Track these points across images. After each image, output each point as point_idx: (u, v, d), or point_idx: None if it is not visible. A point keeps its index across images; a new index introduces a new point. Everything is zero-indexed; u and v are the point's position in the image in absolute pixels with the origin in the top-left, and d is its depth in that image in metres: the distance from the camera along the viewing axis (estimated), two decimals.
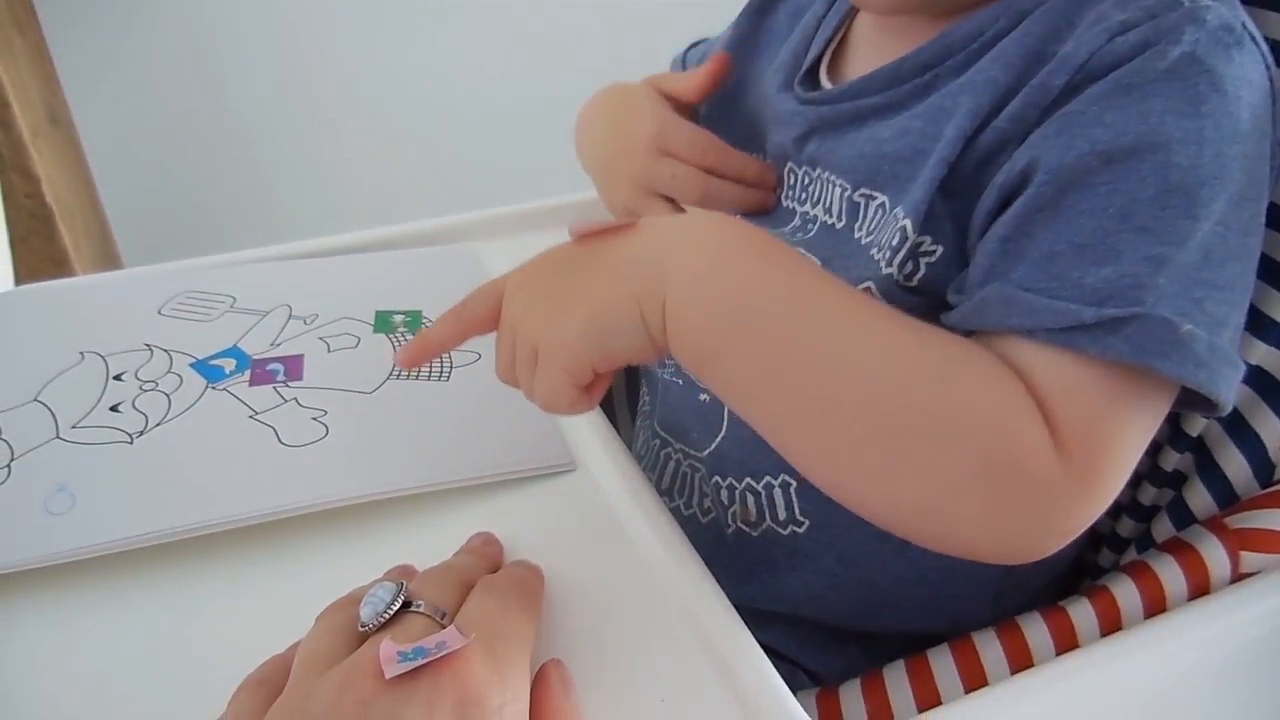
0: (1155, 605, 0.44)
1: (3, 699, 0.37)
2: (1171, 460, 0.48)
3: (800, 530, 0.49)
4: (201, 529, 0.42)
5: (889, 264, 0.43)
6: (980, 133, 0.41)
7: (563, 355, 0.39)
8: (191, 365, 0.53)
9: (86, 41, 1.37)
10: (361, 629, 0.34)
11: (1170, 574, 0.44)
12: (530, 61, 1.54)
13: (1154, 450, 0.49)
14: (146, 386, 0.51)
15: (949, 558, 0.45)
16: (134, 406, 0.49)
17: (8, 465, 0.46)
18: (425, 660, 0.31)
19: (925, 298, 0.43)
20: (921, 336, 0.37)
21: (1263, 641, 0.41)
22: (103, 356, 0.53)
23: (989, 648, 0.46)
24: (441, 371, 0.53)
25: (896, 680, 0.46)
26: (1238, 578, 0.43)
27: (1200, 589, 0.43)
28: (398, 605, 0.34)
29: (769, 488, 0.49)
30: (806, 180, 0.50)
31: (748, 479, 0.50)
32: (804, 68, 0.52)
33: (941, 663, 0.46)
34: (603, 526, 0.44)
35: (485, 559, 0.41)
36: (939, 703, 0.45)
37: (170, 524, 0.42)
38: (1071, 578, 0.54)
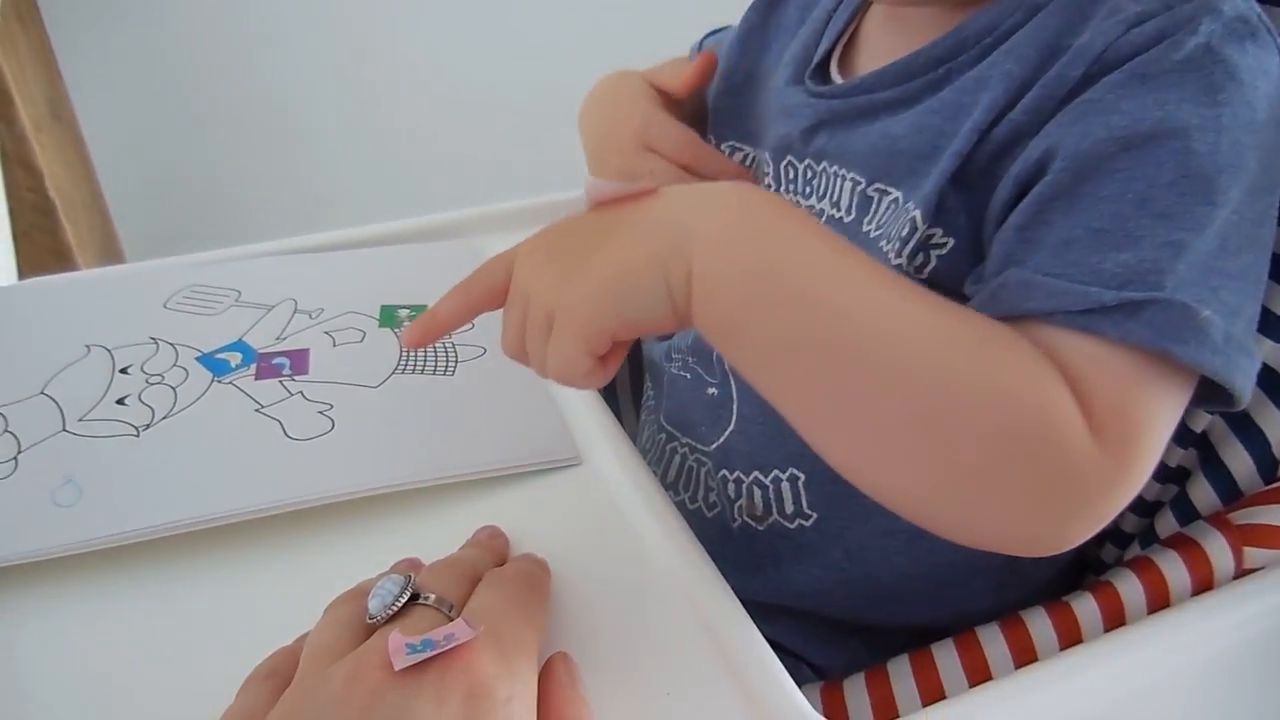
0: (1159, 600, 0.44)
1: (12, 691, 0.37)
2: (1175, 456, 0.49)
3: (807, 524, 0.49)
4: (208, 522, 0.42)
5: (898, 255, 0.43)
6: (995, 126, 0.41)
7: (580, 320, 0.37)
8: (197, 359, 0.53)
9: (89, 36, 1.37)
10: (370, 621, 0.34)
11: (1174, 569, 0.44)
12: (533, 57, 1.54)
13: None
14: (153, 380, 0.51)
15: (954, 552, 0.45)
16: (140, 400, 0.50)
17: (15, 458, 0.46)
18: (434, 652, 0.31)
19: (936, 290, 0.43)
20: (953, 309, 0.36)
21: (1266, 637, 0.41)
22: (109, 350, 0.53)
23: (993, 642, 0.46)
24: (447, 366, 0.53)
25: (900, 674, 0.47)
26: (1241, 573, 0.43)
27: (1204, 584, 0.43)
28: (406, 597, 0.34)
29: (777, 481, 0.49)
30: (809, 174, 0.50)
31: (755, 473, 0.50)
32: (814, 62, 0.52)
33: (945, 657, 0.46)
34: (608, 520, 0.44)
35: (492, 552, 0.41)
36: (943, 696, 0.45)
37: (177, 517, 0.42)
38: (1074, 573, 0.54)
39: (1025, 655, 0.45)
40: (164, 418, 0.49)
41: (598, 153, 0.59)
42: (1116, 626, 0.44)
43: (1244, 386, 0.35)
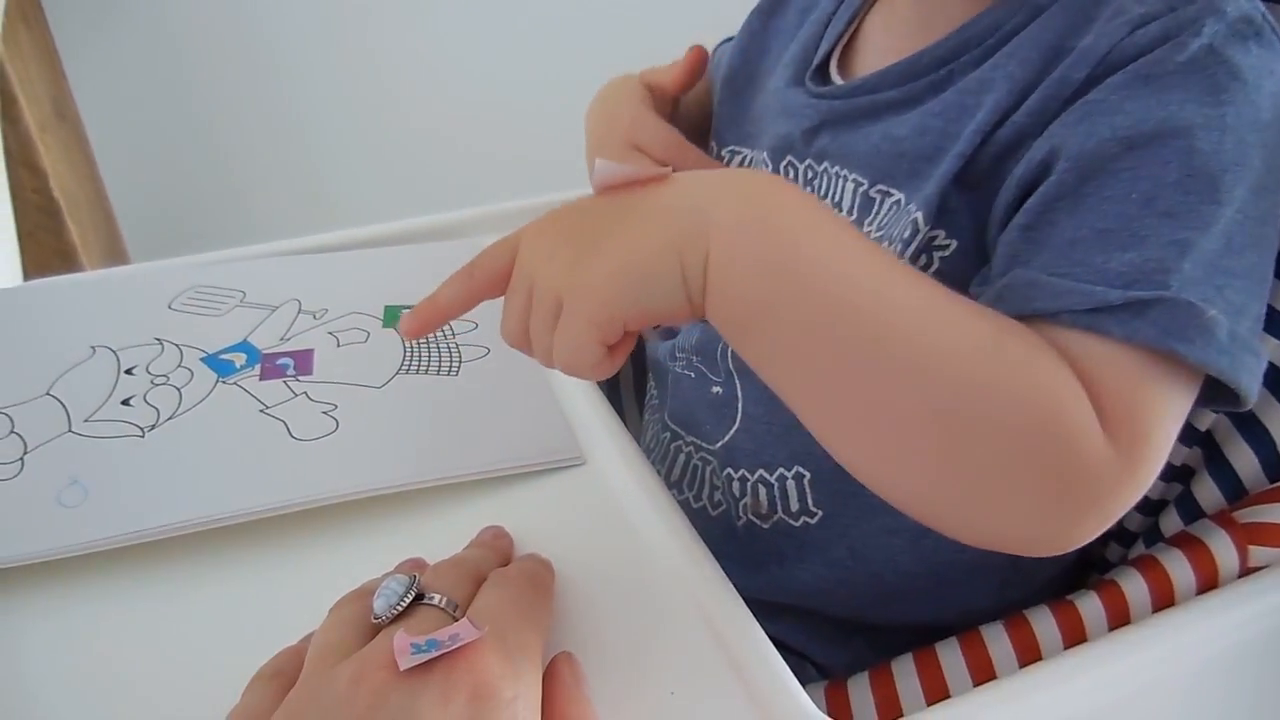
0: (1163, 599, 0.44)
1: (17, 691, 0.38)
2: (1180, 454, 0.49)
3: (813, 522, 0.49)
4: (213, 522, 0.43)
5: (900, 256, 0.43)
6: (998, 127, 0.41)
7: (591, 306, 0.35)
8: (202, 359, 0.53)
9: (93, 36, 1.37)
10: (375, 621, 0.34)
11: (1178, 568, 0.44)
12: (537, 57, 1.54)
13: None
14: (158, 381, 0.51)
15: (957, 550, 0.45)
16: (145, 400, 0.50)
17: (21, 459, 0.46)
18: (439, 652, 0.31)
19: None
20: (971, 306, 0.36)
21: (1271, 636, 0.41)
22: (114, 351, 0.53)
23: (997, 641, 0.46)
24: (451, 366, 0.53)
25: (905, 673, 0.47)
26: (1246, 572, 0.43)
27: (1208, 583, 0.43)
28: (411, 597, 0.34)
29: (782, 479, 0.49)
30: (810, 174, 0.50)
31: (761, 471, 0.50)
32: (815, 64, 0.52)
33: (949, 656, 0.46)
34: (612, 520, 0.45)
35: (496, 552, 0.41)
36: (947, 695, 0.45)
37: (182, 517, 0.43)
38: (1078, 572, 0.54)
39: (1029, 654, 0.45)
40: (169, 418, 0.49)
41: (594, 153, 0.60)
42: (1121, 625, 0.44)
43: (1250, 385, 0.35)
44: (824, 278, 0.34)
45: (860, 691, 0.47)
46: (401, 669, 0.30)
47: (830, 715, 0.35)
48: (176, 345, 0.54)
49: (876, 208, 0.46)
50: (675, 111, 0.61)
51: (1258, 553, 0.43)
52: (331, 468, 0.46)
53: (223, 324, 0.56)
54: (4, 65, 1.11)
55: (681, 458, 0.55)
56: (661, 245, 0.35)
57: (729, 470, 0.52)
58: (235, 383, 0.51)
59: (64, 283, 0.63)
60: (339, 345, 0.54)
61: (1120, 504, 0.35)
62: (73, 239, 1.22)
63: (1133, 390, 0.34)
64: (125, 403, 0.50)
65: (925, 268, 0.43)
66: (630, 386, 0.74)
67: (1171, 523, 0.49)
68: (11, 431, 0.48)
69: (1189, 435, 0.48)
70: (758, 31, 0.59)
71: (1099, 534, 0.35)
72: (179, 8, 1.41)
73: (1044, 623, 0.46)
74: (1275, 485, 0.45)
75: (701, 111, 0.62)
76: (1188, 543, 0.45)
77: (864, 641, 0.52)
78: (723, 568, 0.41)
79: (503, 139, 1.54)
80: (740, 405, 0.51)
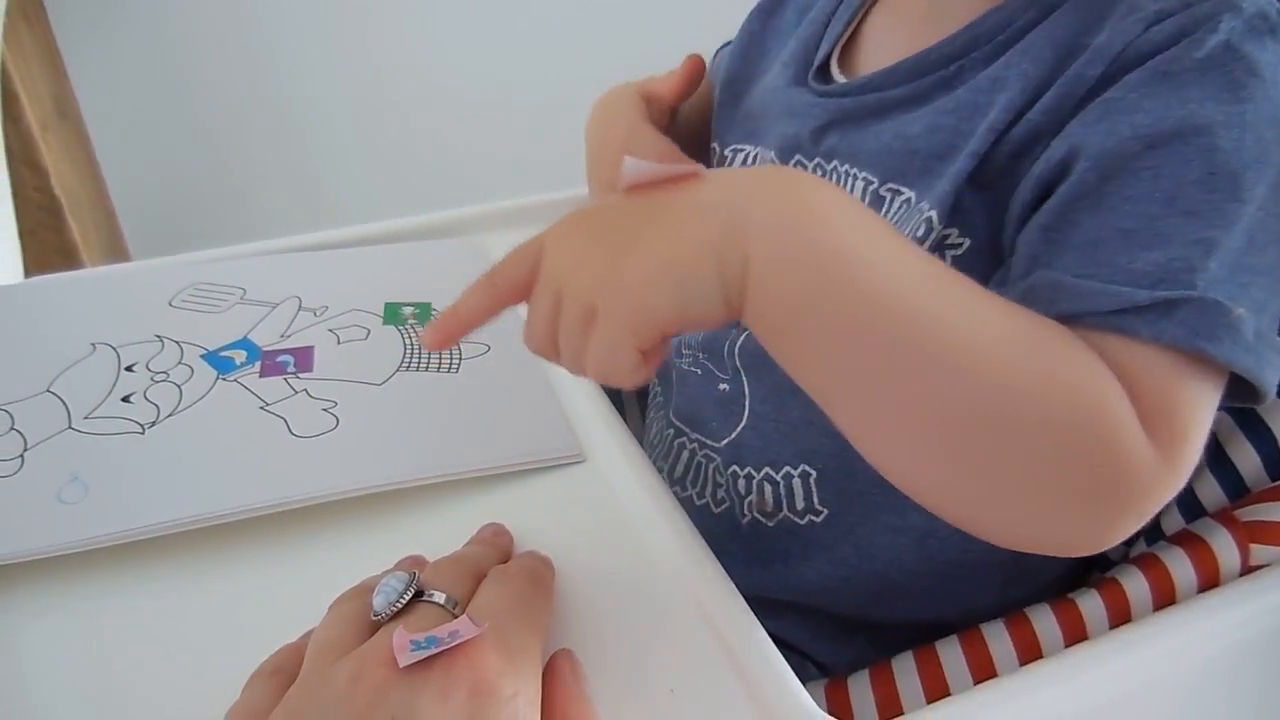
0: (1164, 598, 0.44)
1: (18, 689, 0.38)
2: None
3: (818, 520, 0.49)
4: (213, 519, 0.43)
5: None
6: (1013, 126, 0.41)
7: (629, 313, 0.34)
8: (202, 356, 0.53)
9: (94, 34, 1.37)
10: (374, 618, 0.34)
11: (1180, 566, 0.44)
12: (536, 54, 1.54)
13: None
14: (158, 378, 0.51)
15: (961, 549, 0.45)
16: (145, 397, 0.50)
17: (21, 455, 0.46)
18: (438, 649, 0.31)
19: None
20: (1009, 306, 0.35)
21: (1272, 634, 0.41)
22: (114, 348, 0.53)
23: (997, 639, 0.46)
24: (451, 363, 0.53)
25: (905, 671, 0.47)
26: (1247, 570, 0.43)
27: (1210, 581, 0.43)
28: (410, 594, 0.34)
29: (788, 477, 0.49)
30: (819, 174, 0.50)
31: (767, 468, 0.50)
32: (816, 63, 0.52)
33: (950, 654, 0.46)
34: (612, 518, 0.44)
35: (496, 549, 0.41)
36: (947, 694, 0.45)
37: (182, 514, 0.43)
38: (1079, 570, 0.54)
39: (1030, 652, 0.45)
40: (169, 415, 0.49)
41: (593, 165, 0.60)
42: (1122, 623, 0.44)
43: (1272, 382, 0.35)
44: (867, 277, 0.33)
45: (861, 690, 0.47)
46: (401, 666, 0.30)
47: (831, 713, 0.35)
48: (177, 342, 0.54)
49: (886, 206, 0.46)
50: (674, 121, 0.61)
51: (1259, 551, 0.43)
52: (331, 465, 0.46)
53: (223, 321, 0.56)
54: (6, 64, 1.11)
55: (685, 455, 0.55)
56: (700, 246, 0.34)
57: (734, 468, 0.51)
58: (235, 380, 0.51)
59: (64, 280, 0.63)
60: (339, 342, 0.54)
61: (1157, 503, 0.34)
62: (74, 237, 1.22)
63: (1169, 389, 0.34)
64: (125, 400, 0.50)
65: None
66: None
67: (1173, 521, 0.49)
68: (12, 428, 0.48)
69: None
70: (757, 32, 0.59)
71: (1131, 534, 0.35)
72: (180, 7, 1.41)
73: (1045, 621, 0.45)
74: (1277, 484, 0.45)
75: (701, 119, 0.61)
76: (1189, 541, 0.45)
77: (866, 639, 0.52)
78: (726, 565, 0.41)
79: (502, 137, 1.54)
80: (747, 402, 0.51)
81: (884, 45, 0.50)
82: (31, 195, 1.18)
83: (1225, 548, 0.43)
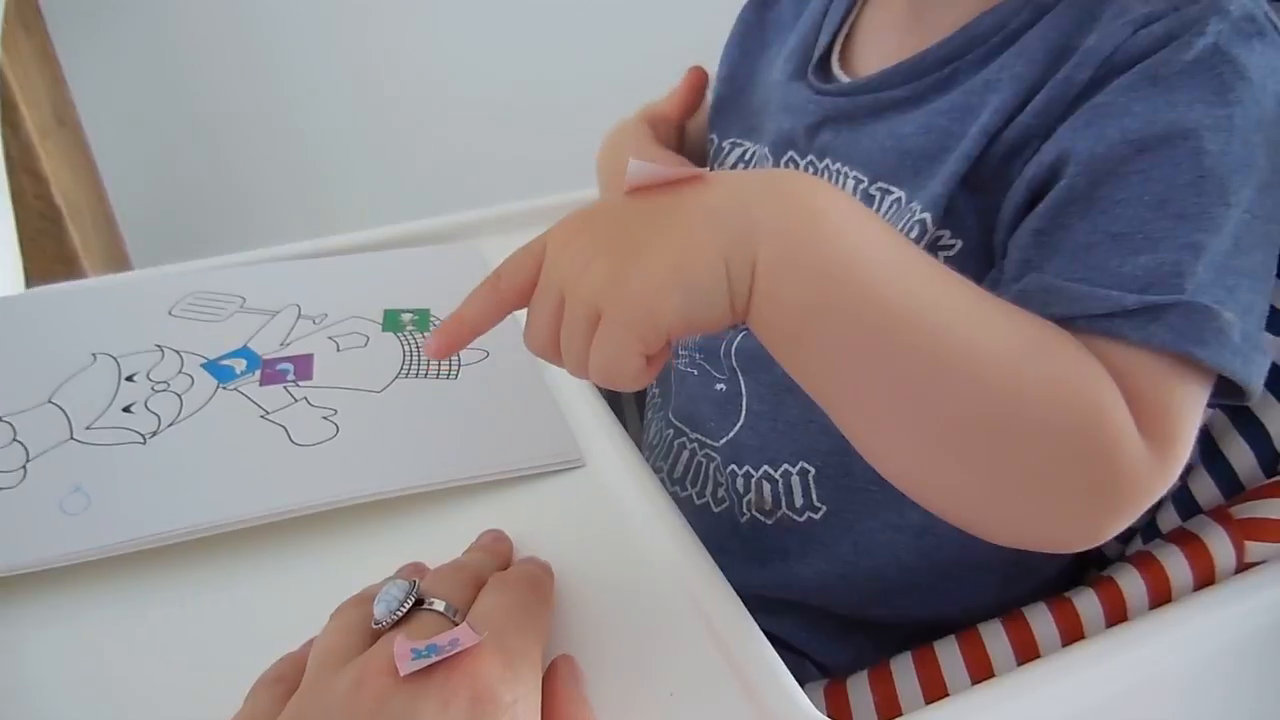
0: (1160, 595, 0.44)
1: (21, 699, 0.38)
2: None
3: (817, 517, 0.49)
4: (214, 528, 0.43)
5: None
6: (1005, 128, 0.41)
7: (636, 318, 0.34)
8: (202, 366, 0.53)
9: (92, 41, 1.37)
10: (375, 626, 0.34)
11: (1175, 564, 0.44)
12: (536, 56, 1.54)
13: None
14: (158, 387, 0.51)
15: (960, 547, 0.45)
16: (146, 407, 0.50)
17: (23, 466, 0.46)
18: (439, 657, 0.31)
19: None
20: (1010, 307, 0.35)
21: (1268, 631, 0.41)
22: (115, 358, 0.54)
23: (995, 639, 0.46)
24: (450, 370, 0.53)
25: (903, 671, 0.47)
26: (1243, 567, 0.43)
27: (1205, 579, 0.43)
28: (411, 603, 0.34)
29: (786, 475, 0.49)
30: (810, 170, 0.50)
31: (765, 467, 0.50)
32: (815, 57, 0.52)
33: (948, 654, 0.46)
34: (611, 522, 0.45)
35: (496, 556, 0.41)
36: (946, 694, 0.45)
37: (183, 524, 0.43)
38: (1076, 568, 0.54)
39: (1027, 652, 0.45)
40: (170, 425, 0.49)
41: (606, 197, 0.60)
42: (1118, 622, 0.44)
43: (1259, 383, 0.36)
44: (875, 285, 0.33)
45: (859, 690, 0.47)
46: (402, 674, 0.31)
47: (829, 715, 0.35)
48: (177, 351, 0.54)
49: (876, 205, 0.46)
50: (682, 138, 0.61)
51: (1254, 548, 0.43)
52: (331, 473, 0.46)
53: (223, 330, 0.56)
54: (4, 71, 1.12)
55: (685, 455, 0.56)
56: (708, 251, 0.34)
57: (733, 466, 0.52)
58: (235, 388, 0.51)
59: (64, 290, 0.63)
60: (339, 350, 0.55)
61: (1149, 501, 0.35)
62: (74, 245, 1.23)
63: (1161, 391, 0.35)
64: (126, 409, 0.50)
65: None
66: None
67: (1169, 518, 0.49)
68: (13, 439, 0.48)
69: None
70: (753, 25, 0.59)
71: (1120, 530, 0.36)
72: (177, 12, 1.41)
73: (1042, 620, 0.46)
74: (1272, 481, 0.46)
75: (674, 131, 0.61)
76: (1185, 539, 0.45)
77: (865, 638, 0.52)
78: (725, 564, 0.42)
79: (502, 142, 1.54)
80: (744, 402, 0.51)
81: (877, 42, 0.50)
82: (31, 203, 1.18)
83: (1221, 545, 0.44)
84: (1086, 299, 0.35)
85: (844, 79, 0.51)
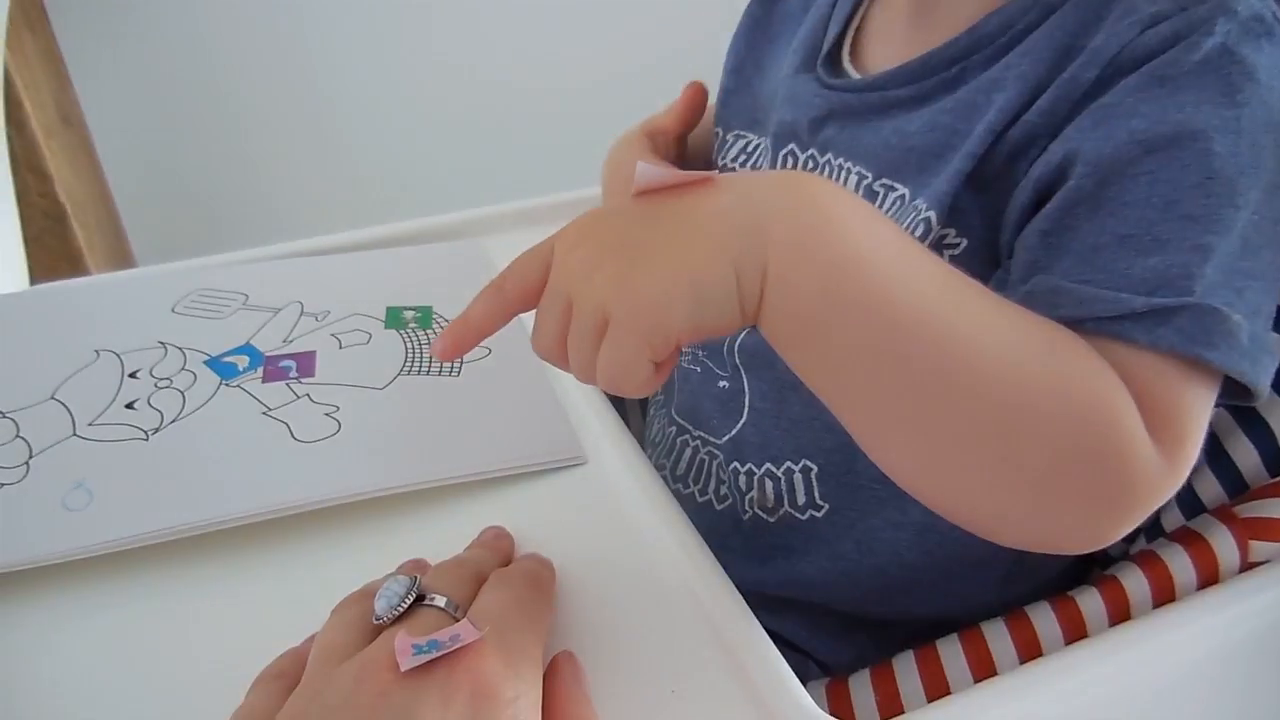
0: (1164, 595, 0.44)
1: (22, 694, 0.38)
2: None
3: (819, 515, 0.49)
4: (217, 524, 0.43)
5: None
6: (1010, 127, 0.41)
7: (645, 324, 0.33)
8: (205, 362, 0.53)
9: (97, 41, 1.38)
10: (376, 622, 0.34)
11: (1179, 563, 0.44)
12: (538, 57, 1.54)
13: None
14: (161, 384, 0.52)
15: (962, 545, 0.45)
16: (149, 404, 0.50)
17: (26, 462, 0.46)
18: (440, 653, 0.31)
19: None
20: (1019, 310, 0.35)
21: (1272, 630, 0.41)
22: (118, 354, 0.54)
23: (998, 638, 0.46)
24: (452, 367, 0.53)
25: (905, 670, 0.47)
26: (1247, 567, 0.43)
27: (1209, 578, 0.43)
28: (412, 598, 0.34)
29: (789, 473, 0.49)
30: (811, 165, 0.50)
31: (768, 464, 0.50)
32: (824, 50, 0.52)
33: (950, 652, 0.46)
34: (613, 520, 0.45)
35: (497, 553, 0.41)
36: (948, 692, 0.45)
37: (186, 519, 0.43)
38: (1079, 567, 0.54)
39: (1030, 650, 0.45)
40: (173, 421, 0.49)
41: None
42: (1121, 621, 0.44)
43: (1267, 385, 0.36)
44: (886, 289, 0.33)
45: (861, 689, 0.47)
46: (403, 670, 0.31)
47: (832, 713, 0.35)
48: (180, 348, 0.54)
49: (880, 201, 0.46)
50: (683, 151, 0.61)
51: (1258, 547, 0.43)
52: (333, 469, 0.46)
53: (225, 327, 0.56)
54: (9, 71, 1.12)
55: (688, 452, 0.56)
56: (718, 257, 0.33)
57: (735, 464, 0.52)
58: (238, 385, 0.51)
59: (67, 287, 0.63)
60: (341, 347, 0.55)
61: (1158, 503, 0.35)
62: (79, 243, 1.23)
63: (1170, 393, 0.34)
64: (129, 406, 0.50)
65: None
66: None
67: (1173, 518, 0.49)
68: (17, 436, 0.48)
69: None
70: (761, 18, 0.59)
71: (1131, 530, 0.35)
72: (183, 12, 1.41)
73: (1044, 619, 0.46)
74: (1276, 480, 0.45)
75: (711, 146, 0.61)
76: (1189, 538, 0.45)
77: (867, 637, 0.52)
78: (727, 561, 0.41)
79: (501, 140, 1.55)
80: (747, 399, 0.51)
81: (895, 38, 0.50)
82: (36, 201, 1.19)
83: (1225, 544, 0.43)
84: (1094, 301, 0.35)
85: (854, 74, 0.50)
